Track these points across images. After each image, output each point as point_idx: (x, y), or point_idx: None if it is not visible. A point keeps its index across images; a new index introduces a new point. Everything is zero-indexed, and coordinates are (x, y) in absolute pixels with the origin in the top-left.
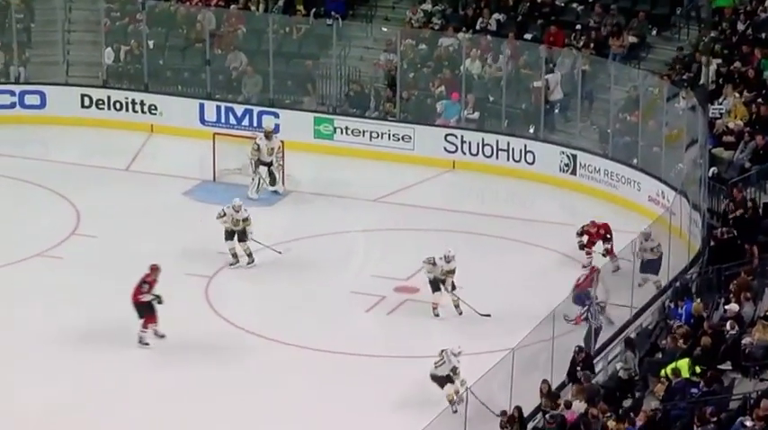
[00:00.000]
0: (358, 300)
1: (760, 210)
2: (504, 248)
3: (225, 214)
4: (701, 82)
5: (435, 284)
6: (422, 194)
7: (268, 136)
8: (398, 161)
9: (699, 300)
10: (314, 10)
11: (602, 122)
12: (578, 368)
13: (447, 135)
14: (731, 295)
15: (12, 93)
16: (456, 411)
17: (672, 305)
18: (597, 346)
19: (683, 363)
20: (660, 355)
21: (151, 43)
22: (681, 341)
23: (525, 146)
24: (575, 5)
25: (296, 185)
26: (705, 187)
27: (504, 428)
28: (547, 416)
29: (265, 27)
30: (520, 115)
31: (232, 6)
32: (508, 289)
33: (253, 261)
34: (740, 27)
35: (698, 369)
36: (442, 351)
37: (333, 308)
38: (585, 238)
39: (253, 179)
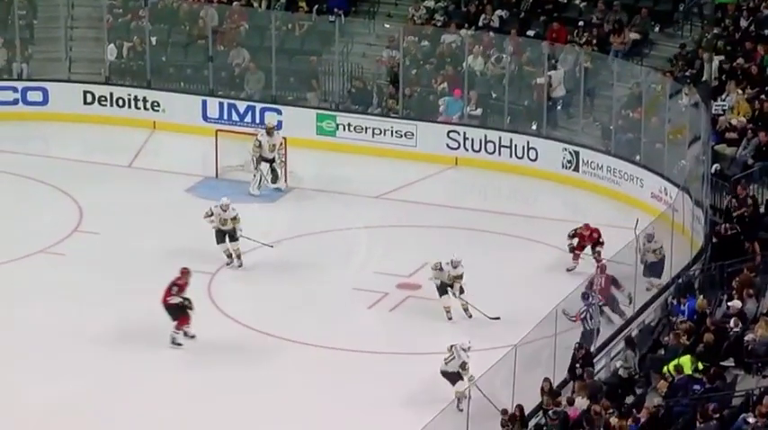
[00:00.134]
0: (360, 297)
1: (762, 208)
2: (506, 245)
3: (212, 213)
4: (704, 78)
5: (443, 289)
6: (424, 191)
7: (270, 132)
8: (401, 158)
9: (702, 296)
10: (316, 6)
11: (605, 119)
12: (577, 365)
13: (449, 132)
14: (734, 292)
15: (14, 89)
16: (462, 409)
17: (674, 302)
18: (599, 343)
19: (686, 360)
20: (663, 352)
21: (154, 40)
22: (684, 337)
23: (528, 142)
24: (577, 2)
25: (298, 182)
26: (708, 184)
27: (506, 427)
28: (550, 412)
29: (268, 23)
30: (522, 112)
31: (234, 3)
32: (510, 285)
33: (241, 264)
34: (743, 23)
35: (700, 365)
36: (452, 346)
37: (335, 304)
38: (576, 241)
39: (254, 175)
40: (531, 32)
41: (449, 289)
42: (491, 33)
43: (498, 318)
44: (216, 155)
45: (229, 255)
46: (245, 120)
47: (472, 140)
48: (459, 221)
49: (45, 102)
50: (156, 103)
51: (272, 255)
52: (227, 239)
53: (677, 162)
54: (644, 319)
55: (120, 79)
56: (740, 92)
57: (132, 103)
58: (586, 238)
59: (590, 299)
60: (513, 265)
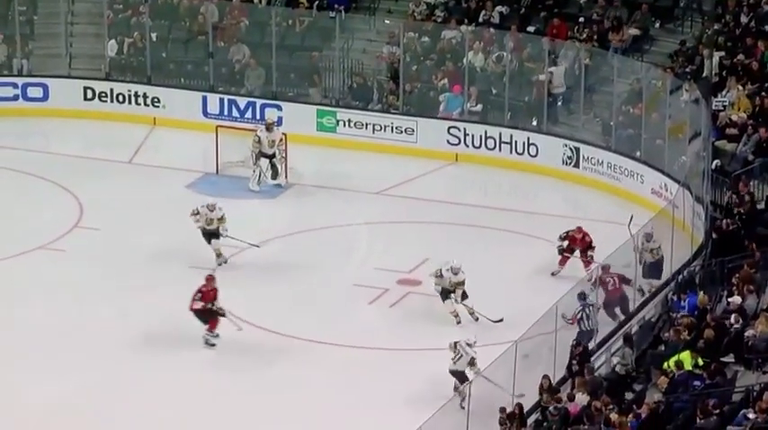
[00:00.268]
0: (361, 293)
1: (762, 204)
2: (506, 241)
3: (198, 212)
4: (705, 74)
5: (445, 295)
6: (424, 187)
7: (269, 128)
8: (401, 154)
9: (702, 292)
10: (317, 2)
11: (606, 115)
12: (574, 361)
13: (450, 127)
14: (734, 288)
15: (15, 85)
16: (464, 408)
17: (674, 298)
18: (599, 339)
19: (686, 356)
20: (663, 348)
21: (154, 36)
22: (685, 332)
23: (528, 138)
24: None
25: (299, 178)
26: (708, 180)
27: (503, 425)
28: (550, 408)
29: (268, 19)
30: (523, 108)
31: None
32: (511, 282)
33: (226, 261)
34: (743, 19)
35: (701, 361)
36: (455, 343)
37: (335, 300)
38: (566, 244)
39: (253, 171)
40: (531, 28)
41: (451, 294)
42: (491, 29)
43: (501, 320)
44: (216, 151)
45: (219, 254)
46: (246, 117)
47: (472, 136)
48: (460, 217)
49: (45, 98)
50: (156, 99)
51: (273, 252)
52: (212, 240)
53: (678, 158)
54: (644, 315)
55: (120, 75)
56: (740, 88)
57: (132, 98)
58: (578, 242)
59: (586, 299)
60: (513, 261)
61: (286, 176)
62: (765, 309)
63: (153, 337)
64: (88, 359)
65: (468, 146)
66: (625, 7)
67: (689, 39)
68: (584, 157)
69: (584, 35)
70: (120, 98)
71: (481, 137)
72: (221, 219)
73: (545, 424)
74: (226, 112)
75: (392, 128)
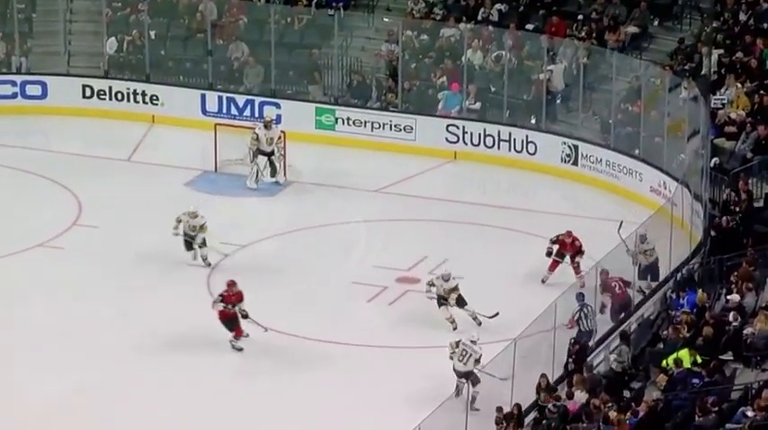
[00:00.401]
0: (359, 291)
1: (761, 202)
2: (505, 239)
3: (180, 221)
4: (703, 72)
5: (440, 301)
6: (423, 185)
7: (267, 125)
8: (400, 151)
9: (701, 290)
10: (315, 0)
11: (604, 113)
12: (571, 360)
13: (449, 125)
14: (733, 285)
15: (13, 83)
16: (479, 409)
17: (673, 296)
18: (598, 337)
19: (685, 354)
20: (662, 346)
21: (153, 33)
22: (684, 329)
23: (527, 136)
24: None
25: (297, 176)
26: (707, 178)
27: (500, 425)
28: (549, 405)
29: (267, 17)
30: (521, 106)
31: None
32: (509, 279)
33: (200, 259)
34: (742, 17)
35: (699, 359)
36: (458, 342)
37: (334, 298)
38: (556, 248)
39: (251, 169)
40: (530, 26)
41: (446, 301)
42: (490, 27)
43: (497, 314)
44: (215, 148)
45: (204, 257)
46: (245, 114)
47: (471, 134)
48: (459, 215)
49: (44, 95)
50: (155, 97)
51: (271, 250)
52: (195, 246)
53: (676, 156)
54: (643, 313)
55: (119, 73)
56: (739, 85)
57: (131, 96)
58: (568, 246)
59: (584, 299)
60: (511, 259)
61: (285, 174)
62: (764, 307)
63: (152, 336)
64: (87, 358)
65: (466, 144)
66: (624, 5)
67: (688, 36)
68: (582, 155)
69: (583, 33)
70: (119, 96)
71: (480, 135)
72: (203, 227)
73: (544, 421)
74: (224, 110)
75: (391, 126)
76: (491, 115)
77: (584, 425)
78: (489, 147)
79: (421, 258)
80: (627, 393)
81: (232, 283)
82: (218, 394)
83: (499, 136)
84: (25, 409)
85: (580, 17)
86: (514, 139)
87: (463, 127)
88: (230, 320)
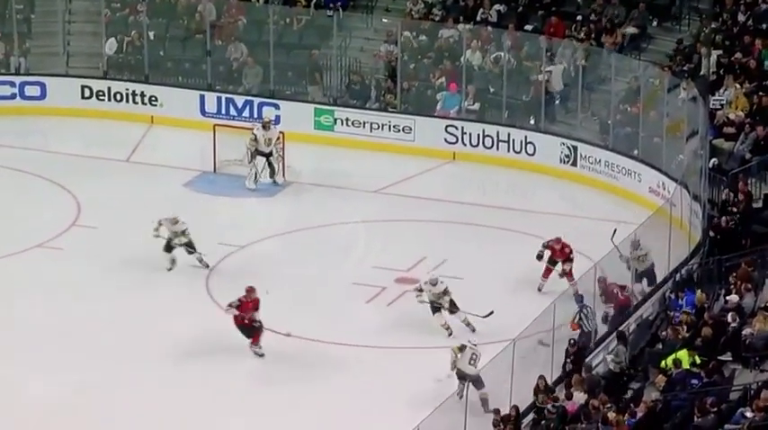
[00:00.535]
0: (358, 292)
1: (760, 202)
2: (504, 239)
3: (161, 224)
4: (702, 73)
5: (433, 308)
6: (422, 185)
7: (266, 126)
8: (399, 152)
9: (699, 290)
10: (314, 0)
11: (603, 113)
12: (568, 360)
13: (447, 126)
14: (732, 286)
15: (12, 84)
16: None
17: (672, 296)
18: (597, 338)
19: (684, 354)
20: (661, 346)
21: (152, 34)
22: (684, 329)
23: (526, 137)
24: None
25: (296, 176)
26: (706, 178)
27: (498, 427)
28: (549, 406)
29: (266, 18)
30: (520, 106)
31: None
32: (508, 280)
33: (171, 268)
34: (741, 18)
35: (698, 359)
36: (463, 346)
37: (333, 299)
38: (548, 254)
39: (250, 169)
40: (529, 27)
41: (439, 307)
42: (489, 28)
43: (492, 313)
44: (214, 149)
45: (172, 262)
46: (243, 115)
47: (470, 135)
48: (458, 216)
49: (43, 96)
50: (153, 98)
51: (270, 250)
52: (172, 251)
53: (675, 156)
54: (642, 314)
55: (117, 74)
56: (738, 86)
57: (130, 97)
58: (557, 253)
59: (583, 300)
60: (510, 259)
61: (284, 175)
62: (763, 308)
63: (152, 336)
64: (87, 358)
65: (465, 144)
66: (623, 5)
67: (686, 37)
68: (581, 156)
69: (582, 33)
70: (118, 97)
71: (479, 135)
72: (184, 233)
73: (543, 422)
74: (223, 111)
75: (390, 126)
76: (490, 116)
77: (583, 425)
78: (488, 148)
79: (420, 259)
80: (626, 394)
81: (251, 289)
82: (218, 394)
83: (498, 136)
84: (25, 409)
85: (579, 18)
86: (513, 140)
87: (462, 127)
88: (247, 328)
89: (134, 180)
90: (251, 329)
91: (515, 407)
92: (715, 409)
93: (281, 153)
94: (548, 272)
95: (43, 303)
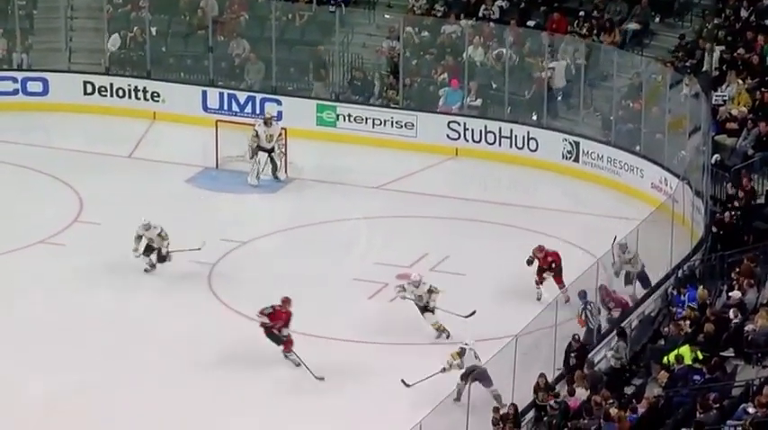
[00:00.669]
0: (360, 288)
1: (762, 198)
2: (506, 235)
3: (141, 236)
4: (705, 69)
5: (421, 309)
6: (424, 181)
7: (267, 122)
8: (401, 148)
9: (701, 286)
10: None
11: (605, 109)
12: (571, 356)
13: (450, 122)
14: (734, 282)
15: (14, 79)
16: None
17: (675, 292)
18: (599, 334)
19: (686, 350)
20: (663, 342)
21: (154, 30)
22: (687, 324)
23: (528, 133)
24: None
25: (298, 172)
26: (708, 174)
27: (497, 425)
28: (551, 402)
29: (268, 14)
30: (522, 102)
31: None
32: (510, 276)
33: (151, 269)
34: (744, 14)
35: (700, 355)
36: (462, 350)
37: (335, 295)
38: (536, 264)
39: (252, 166)
40: (531, 23)
41: (427, 308)
42: (491, 24)
43: (474, 313)
44: (216, 145)
45: (152, 265)
46: (246, 111)
47: (472, 131)
48: (460, 212)
49: (45, 92)
50: (156, 94)
51: (272, 246)
52: (153, 255)
53: (677, 152)
54: (644, 310)
55: (120, 69)
56: (740, 82)
57: (132, 93)
58: (541, 261)
59: (587, 296)
60: (512, 256)
61: (286, 171)
62: (765, 304)
63: (153, 335)
64: (87, 357)
65: (467, 140)
66: (625, 2)
67: (689, 33)
68: (583, 152)
69: (584, 30)
70: (120, 93)
71: (481, 131)
72: (160, 236)
73: (545, 418)
74: (226, 107)
75: (392, 122)
76: (492, 112)
77: (585, 421)
78: (490, 144)
79: (422, 255)
80: (628, 390)
81: (287, 301)
82: (217, 394)
83: (500, 132)
84: (25, 408)
85: (581, 14)
86: (515, 136)
87: (464, 123)
88: (276, 336)
89: (136, 176)
90: (280, 338)
91: (514, 406)
92: (717, 405)
93: (283, 149)
94: (540, 282)
95: (45, 299)
